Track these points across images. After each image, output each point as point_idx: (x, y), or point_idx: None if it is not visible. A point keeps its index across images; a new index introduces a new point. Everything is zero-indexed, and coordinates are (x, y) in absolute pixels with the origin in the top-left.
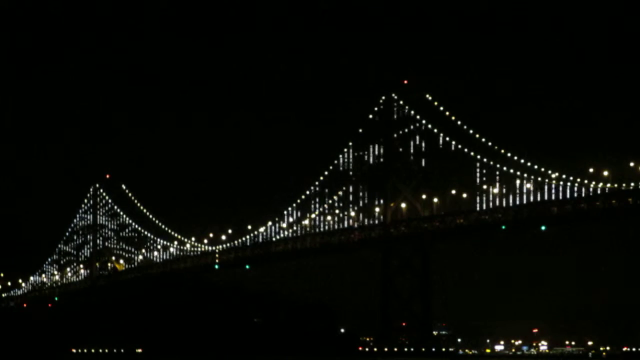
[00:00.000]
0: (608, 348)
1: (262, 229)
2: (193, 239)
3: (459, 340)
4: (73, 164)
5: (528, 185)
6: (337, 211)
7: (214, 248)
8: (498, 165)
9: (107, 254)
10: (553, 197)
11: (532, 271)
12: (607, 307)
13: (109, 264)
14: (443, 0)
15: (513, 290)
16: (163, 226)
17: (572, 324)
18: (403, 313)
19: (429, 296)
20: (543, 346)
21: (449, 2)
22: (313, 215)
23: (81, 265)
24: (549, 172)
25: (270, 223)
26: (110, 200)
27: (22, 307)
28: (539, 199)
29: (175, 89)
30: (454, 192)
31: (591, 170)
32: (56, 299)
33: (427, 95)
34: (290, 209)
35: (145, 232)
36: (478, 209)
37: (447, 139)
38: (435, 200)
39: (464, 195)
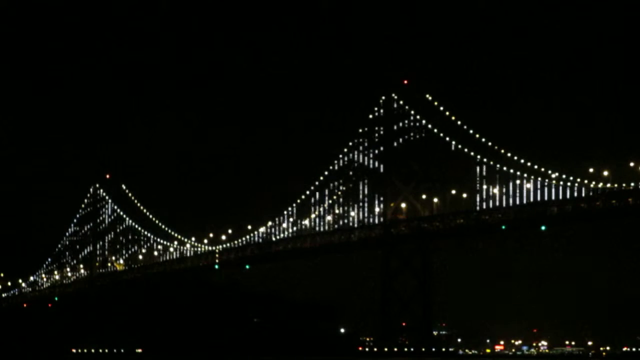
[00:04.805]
0: (608, 348)
1: (262, 229)
2: (193, 239)
3: (459, 340)
4: (73, 164)
5: (528, 185)
6: (337, 211)
7: (214, 248)
8: (498, 165)
9: (107, 254)
10: (553, 197)
11: (532, 271)
12: (607, 307)
13: (109, 264)
14: (443, 0)
15: (513, 290)
16: (163, 226)
17: (572, 324)
18: (403, 313)
19: (429, 296)
20: (543, 346)
21: (449, 2)
22: (313, 215)
23: (81, 265)
24: (549, 172)
25: (270, 223)
26: (110, 200)
27: (22, 307)
28: (539, 199)
29: (175, 88)
30: (454, 192)
31: (591, 170)
32: (56, 299)
33: (427, 95)
34: (290, 208)
35: (145, 232)
36: (478, 209)
37: (447, 139)
38: (435, 200)
39: (464, 195)
